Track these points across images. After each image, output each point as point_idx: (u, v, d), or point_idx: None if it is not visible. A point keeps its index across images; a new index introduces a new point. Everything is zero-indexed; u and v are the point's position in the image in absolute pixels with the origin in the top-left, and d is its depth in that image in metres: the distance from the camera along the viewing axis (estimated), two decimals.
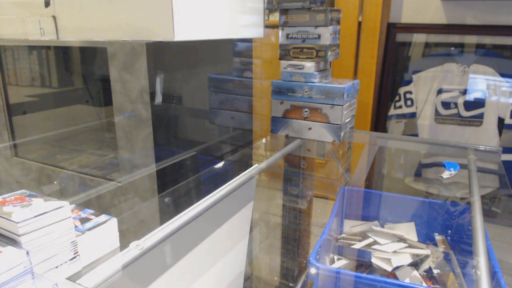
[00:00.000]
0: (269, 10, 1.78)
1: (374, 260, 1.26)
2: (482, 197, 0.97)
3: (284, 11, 1.25)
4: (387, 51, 2.42)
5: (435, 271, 1.24)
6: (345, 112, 1.25)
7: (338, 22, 1.28)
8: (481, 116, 2.20)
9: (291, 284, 1.66)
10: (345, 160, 1.61)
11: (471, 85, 2.21)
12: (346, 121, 1.29)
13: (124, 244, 0.71)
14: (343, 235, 1.43)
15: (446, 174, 1.34)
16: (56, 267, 0.60)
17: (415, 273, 1.21)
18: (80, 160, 1.49)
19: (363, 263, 1.32)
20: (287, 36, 1.27)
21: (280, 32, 1.28)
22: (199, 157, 1.31)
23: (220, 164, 1.41)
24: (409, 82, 2.36)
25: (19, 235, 0.54)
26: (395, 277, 1.21)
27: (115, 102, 1.16)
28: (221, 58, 1.41)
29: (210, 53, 1.33)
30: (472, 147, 1.29)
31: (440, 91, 2.28)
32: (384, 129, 2.50)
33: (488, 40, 2.21)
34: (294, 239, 1.64)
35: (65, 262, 0.61)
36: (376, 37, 2.27)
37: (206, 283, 0.96)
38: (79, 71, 1.52)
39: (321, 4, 1.23)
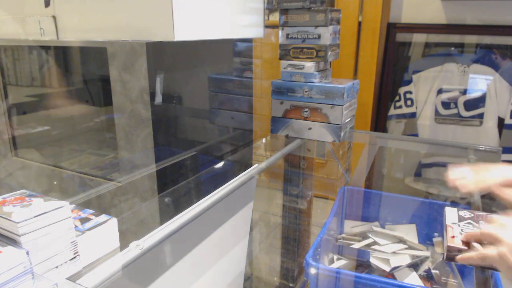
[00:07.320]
0: (269, 10, 1.78)
1: (372, 260, 1.26)
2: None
3: (284, 11, 1.25)
4: (387, 51, 2.42)
5: (434, 272, 1.24)
6: (345, 112, 1.25)
7: (338, 22, 1.28)
8: (481, 116, 2.20)
9: (291, 284, 1.66)
10: (345, 160, 1.61)
11: (471, 85, 2.21)
12: (346, 121, 1.29)
13: (124, 244, 0.70)
14: (343, 235, 1.43)
15: None
16: (56, 267, 0.60)
17: (413, 274, 1.21)
18: (80, 160, 1.49)
19: (362, 263, 1.32)
20: (287, 36, 1.27)
21: (280, 32, 1.28)
22: (199, 157, 1.31)
23: (220, 164, 1.41)
24: (409, 82, 2.36)
25: (19, 235, 0.54)
26: (393, 278, 1.21)
27: (115, 102, 1.16)
28: (221, 58, 1.41)
29: (210, 53, 1.33)
30: (472, 147, 1.29)
31: (440, 91, 2.28)
32: (384, 129, 2.50)
33: (488, 40, 2.21)
34: (294, 239, 1.64)
35: (65, 262, 0.61)
36: (376, 37, 2.27)
37: (206, 283, 0.96)
38: (79, 71, 1.52)
39: (321, 4, 1.23)
